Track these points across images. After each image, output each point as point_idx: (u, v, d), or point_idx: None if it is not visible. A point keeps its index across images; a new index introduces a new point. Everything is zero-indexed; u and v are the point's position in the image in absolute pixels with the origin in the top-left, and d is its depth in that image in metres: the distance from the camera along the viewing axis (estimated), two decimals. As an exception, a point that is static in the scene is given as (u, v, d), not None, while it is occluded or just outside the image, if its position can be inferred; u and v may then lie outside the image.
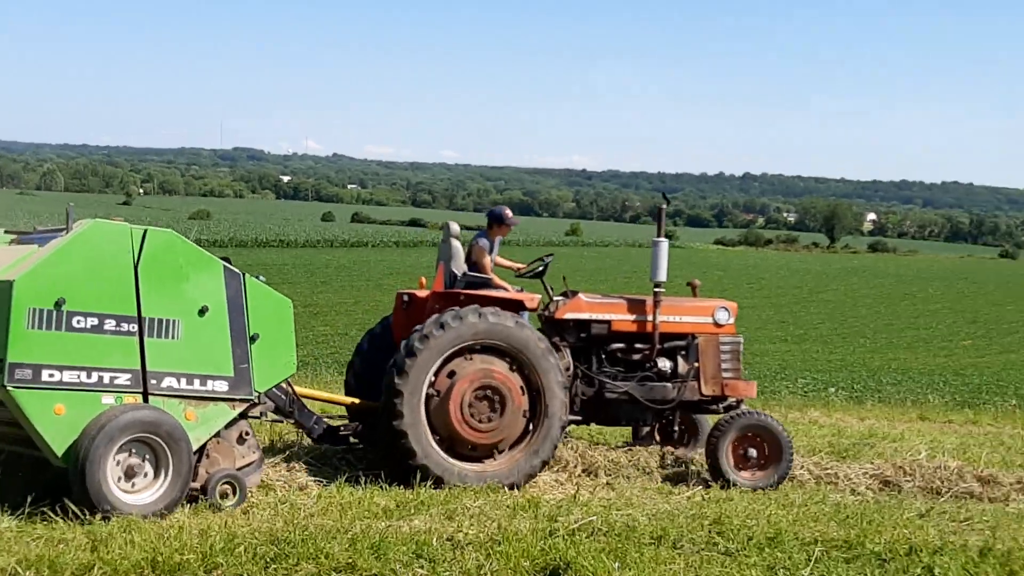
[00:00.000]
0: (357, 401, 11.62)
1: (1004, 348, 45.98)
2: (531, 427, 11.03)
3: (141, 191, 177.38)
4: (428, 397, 10.69)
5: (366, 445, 11.43)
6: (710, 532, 8.69)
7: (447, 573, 7.28)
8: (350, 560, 7.30)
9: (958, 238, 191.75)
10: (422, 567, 7.35)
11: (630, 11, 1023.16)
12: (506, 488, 10.52)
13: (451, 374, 10.77)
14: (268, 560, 7.29)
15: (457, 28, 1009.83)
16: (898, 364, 38.15)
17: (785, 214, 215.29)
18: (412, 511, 9.24)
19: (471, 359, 10.87)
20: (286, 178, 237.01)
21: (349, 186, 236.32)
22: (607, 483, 11.24)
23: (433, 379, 10.70)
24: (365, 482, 10.13)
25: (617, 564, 7.31)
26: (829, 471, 12.27)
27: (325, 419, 11.35)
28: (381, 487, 10.09)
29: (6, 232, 9.63)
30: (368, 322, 17.52)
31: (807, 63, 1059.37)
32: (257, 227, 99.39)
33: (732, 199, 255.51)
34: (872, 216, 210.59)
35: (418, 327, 10.81)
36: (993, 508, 10.98)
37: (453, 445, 10.77)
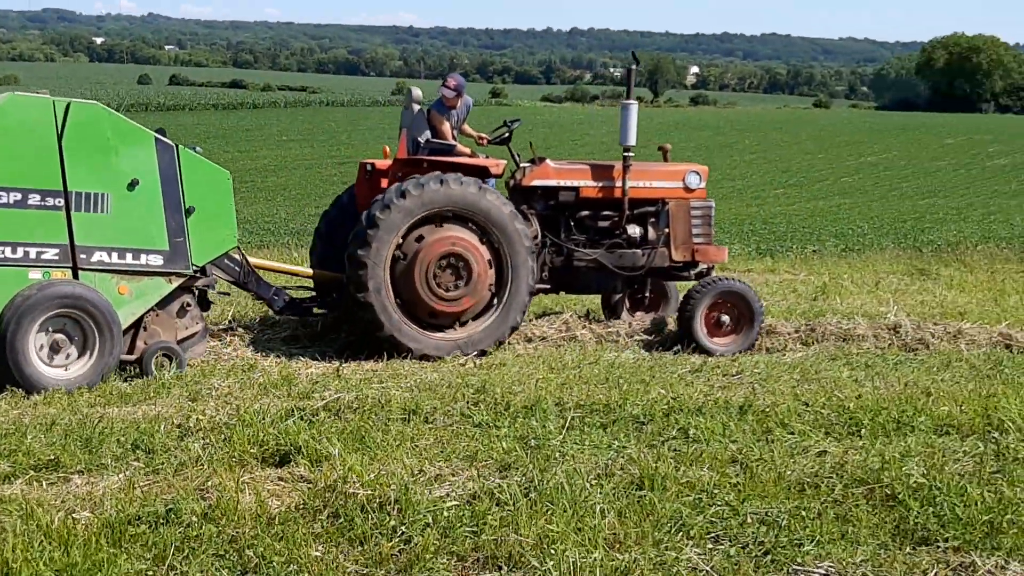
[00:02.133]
0: (321, 272, 11.46)
1: (813, 195, 46.99)
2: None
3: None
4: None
5: (332, 315, 11.36)
6: (467, 403, 8.26)
7: (164, 464, 6.60)
8: (53, 457, 6.55)
9: (776, 89, 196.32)
10: (138, 459, 6.69)
11: None
12: (472, 356, 10.55)
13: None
14: (-43, 461, 6.47)
15: None
16: (711, 215, 38.56)
17: (612, 69, 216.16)
18: (152, 395, 8.56)
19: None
20: (99, 40, 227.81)
21: (166, 47, 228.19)
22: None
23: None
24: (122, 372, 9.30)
25: (338, 449, 6.73)
26: (611, 329, 11.93)
27: (286, 291, 11.22)
28: (128, 378, 9.27)
29: None
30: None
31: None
32: (68, 91, 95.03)
33: (560, 54, 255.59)
34: (695, 69, 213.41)
35: (379, 196, 10.56)
36: (767, 359, 10.85)
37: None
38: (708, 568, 5.20)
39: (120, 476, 6.33)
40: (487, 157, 11.65)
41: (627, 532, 5.63)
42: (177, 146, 9.51)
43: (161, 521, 5.51)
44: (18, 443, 6.71)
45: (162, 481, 6.30)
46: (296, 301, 11.14)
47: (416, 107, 11.91)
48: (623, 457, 6.93)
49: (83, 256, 9.01)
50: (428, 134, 11.81)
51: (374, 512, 5.75)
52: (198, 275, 9.75)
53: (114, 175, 9.14)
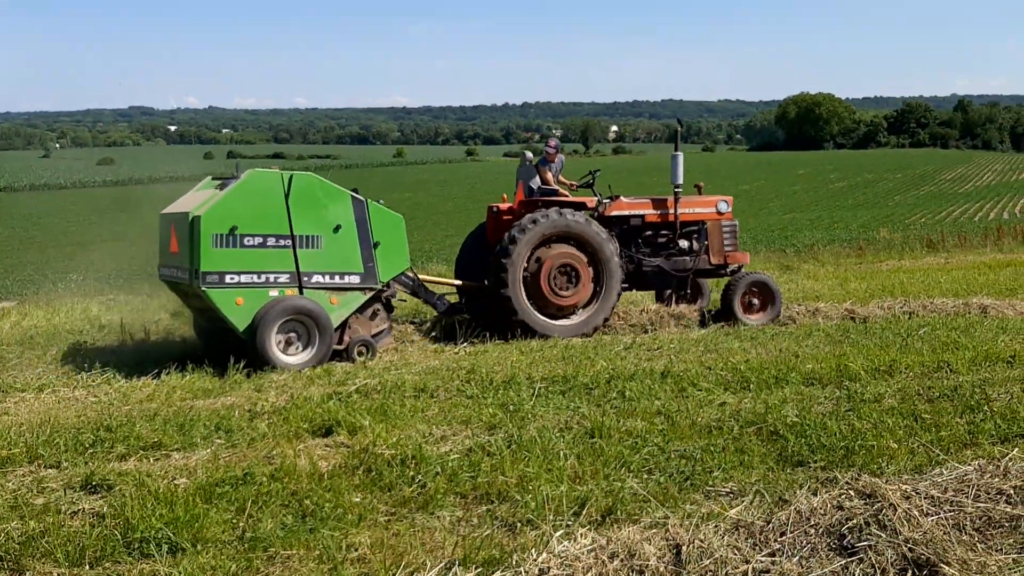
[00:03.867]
0: (466, 282, 11.88)
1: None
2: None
3: (57, 146, 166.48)
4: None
5: (471, 314, 11.72)
6: (461, 381, 8.21)
7: (240, 440, 6.51)
8: (156, 440, 6.45)
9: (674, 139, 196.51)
10: (220, 437, 6.58)
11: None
12: (580, 336, 10.99)
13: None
14: (86, 446, 6.35)
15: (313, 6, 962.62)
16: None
17: (554, 131, 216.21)
18: (228, 389, 8.42)
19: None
20: (173, 127, 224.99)
21: (223, 131, 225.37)
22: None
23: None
24: (192, 368, 9.17)
25: (368, 421, 6.66)
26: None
27: (446, 297, 11.57)
28: (206, 371, 9.13)
29: (214, 179, 10.25)
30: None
31: (570, 20, 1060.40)
32: (151, 168, 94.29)
33: (516, 122, 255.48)
34: (615, 128, 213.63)
35: (516, 223, 11.25)
36: (679, 336, 10.86)
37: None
38: (645, 492, 5.19)
39: (207, 451, 6.24)
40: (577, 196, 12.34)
41: (584, 470, 5.61)
42: (366, 200, 10.00)
43: (240, 482, 5.44)
44: (129, 431, 6.59)
45: (239, 453, 6.23)
46: (452, 305, 11.55)
47: (529, 165, 12.29)
48: (578, 415, 6.92)
49: (306, 278, 9.63)
50: (538, 181, 12.22)
51: (397, 466, 5.71)
52: (384, 288, 10.25)
53: (324, 222, 9.71)
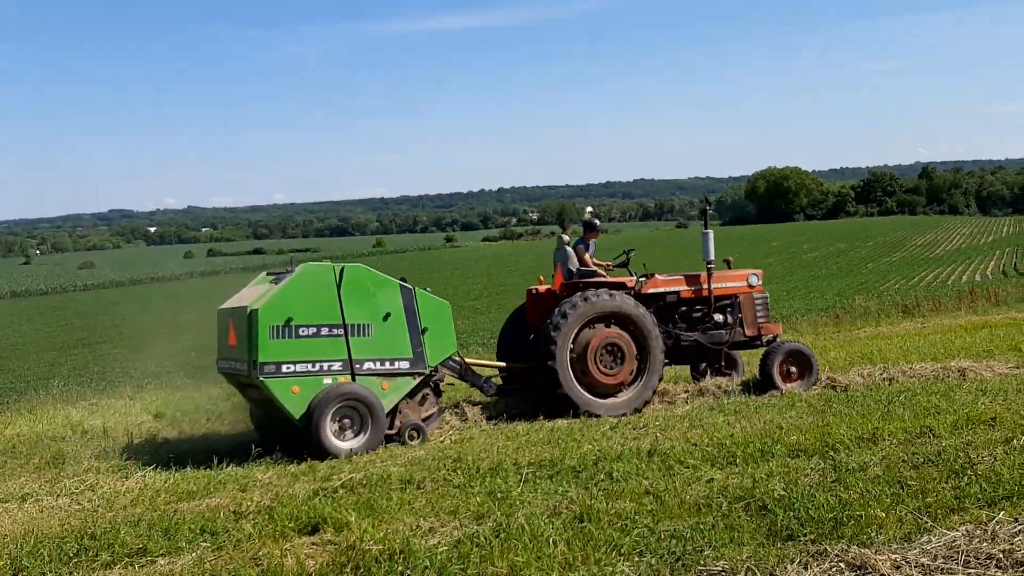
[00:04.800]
0: (511, 364, 11.96)
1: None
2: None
3: (38, 252, 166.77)
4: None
5: (516, 393, 11.79)
6: (448, 470, 8.13)
7: (226, 542, 6.39)
8: (141, 546, 6.32)
9: (648, 218, 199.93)
10: (206, 540, 6.46)
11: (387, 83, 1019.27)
12: (626, 415, 10.92)
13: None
14: (70, 555, 6.22)
15: (288, 102, 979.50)
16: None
17: (531, 214, 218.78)
18: (213, 489, 8.28)
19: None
20: (152, 228, 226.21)
21: (203, 229, 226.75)
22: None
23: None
24: (175, 469, 9.02)
25: (354, 517, 6.57)
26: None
27: (492, 379, 11.64)
28: (187, 471, 9.01)
29: (268, 274, 10.69)
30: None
31: (539, 106, 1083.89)
32: (131, 270, 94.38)
33: (492, 207, 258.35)
34: (589, 208, 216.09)
35: (565, 301, 11.33)
36: (664, 412, 10.85)
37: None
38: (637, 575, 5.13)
39: (193, 555, 6.12)
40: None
41: (575, 556, 5.54)
42: (414, 288, 10.26)
43: (227, 586, 5.34)
44: (113, 538, 6.46)
45: (225, 555, 6.10)
46: (498, 386, 11.66)
47: (567, 248, 12.27)
48: (566, 499, 6.85)
49: (358, 365, 9.79)
50: (575, 263, 12.20)
51: (385, 562, 5.61)
52: (433, 372, 10.39)
53: (374, 310, 9.94)
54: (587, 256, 12.42)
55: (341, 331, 9.73)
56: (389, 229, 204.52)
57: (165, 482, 8.60)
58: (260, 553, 6.02)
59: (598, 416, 10.85)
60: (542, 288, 12.33)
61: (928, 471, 6.93)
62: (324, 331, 9.66)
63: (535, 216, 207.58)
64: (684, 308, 12.47)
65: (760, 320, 12.63)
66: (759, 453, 7.90)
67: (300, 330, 9.53)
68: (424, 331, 10.18)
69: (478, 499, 7.02)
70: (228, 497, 7.84)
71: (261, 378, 9.33)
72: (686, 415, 10.47)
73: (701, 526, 5.93)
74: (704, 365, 12.77)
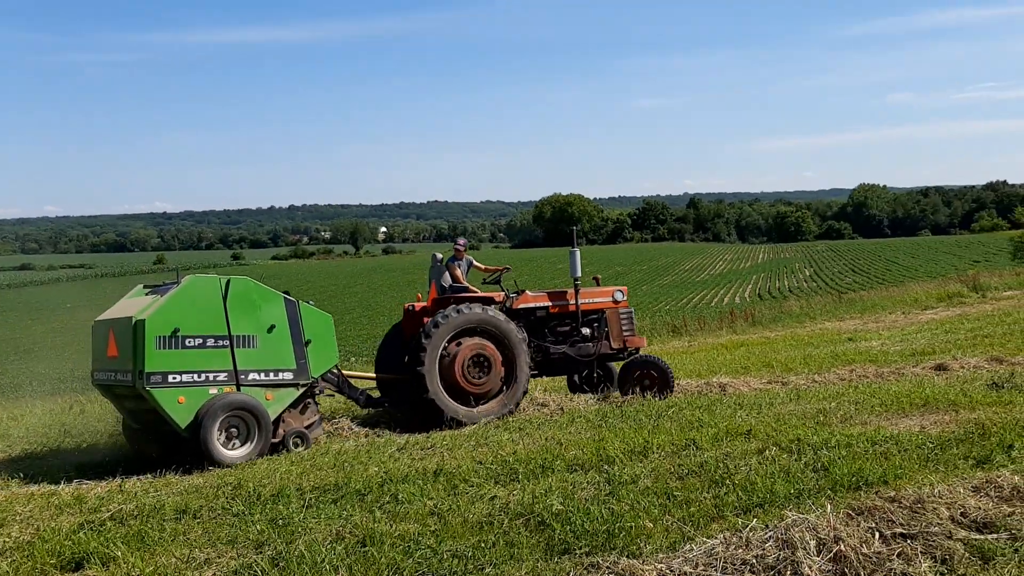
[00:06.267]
0: (384, 375, 12.28)
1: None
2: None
3: None
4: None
5: (391, 405, 12.10)
6: (227, 498, 7.73)
7: (-29, 588, 5.74)
8: None
9: (442, 239, 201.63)
10: (-54, 587, 5.77)
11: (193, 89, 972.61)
12: (495, 420, 11.29)
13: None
14: None
15: (65, 107, 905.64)
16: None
17: (323, 233, 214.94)
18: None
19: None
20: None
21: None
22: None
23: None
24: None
25: (121, 551, 6.10)
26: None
27: (366, 391, 11.89)
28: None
29: (145, 287, 10.60)
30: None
31: (335, 124, 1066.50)
32: None
33: (283, 225, 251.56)
34: (383, 229, 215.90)
35: (439, 312, 11.67)
36: (453, 433, 10.81)
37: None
38: (418, 598, 5.05)
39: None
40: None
41: (356, 581, 5.41)
42: (298, 301, 10.37)
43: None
44: None
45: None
46: (373, 398, 11.89)
47: (439, 266, 12.80)
48: (350, 523, 6.67)
49: (243, 376, 9.90)
50: (449, 279, 12.72)
51: (155, 598, 5.24)
52: (314, 383, 10.55)
53: (259, 323, 10.05)
54: (459, 272, 12.93)
55: (227, 342, 9.82)
56: (172, 245, 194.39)
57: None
58: (11, 597, 5.44)
59: (462, 424, 11.20)
60: (419, 305, 12.61)
61: (692, 481, 7.30)
62: (210, 342, 9.73)
63: (327, 235, 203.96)
64: (553, 323, 12.98)
65: (626, 334, 13.21)
66: (540, 469, 8.03)
67: (187, 340, 9.58)
68: (308, 343, 10.37)
69: (258, 527, 6.70)
70: (-22, 536, 7.05)
71: (148, 388, 9.32)
72: (472, 434, 10.50)
73: (483, 544, 5.94)
74: (577, 377, 13.34)
